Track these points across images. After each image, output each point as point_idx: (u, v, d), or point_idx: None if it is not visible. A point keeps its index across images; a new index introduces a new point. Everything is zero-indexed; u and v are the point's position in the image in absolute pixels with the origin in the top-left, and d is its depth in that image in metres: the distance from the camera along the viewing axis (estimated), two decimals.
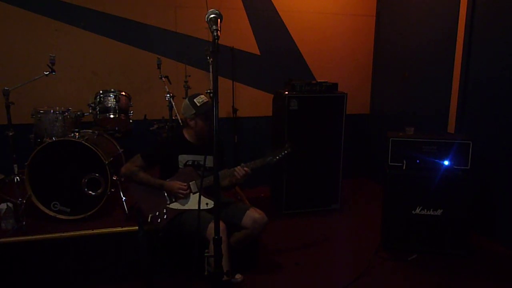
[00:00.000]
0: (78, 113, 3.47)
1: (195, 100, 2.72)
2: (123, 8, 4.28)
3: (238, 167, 2.69)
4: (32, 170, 2.94)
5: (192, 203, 2.74)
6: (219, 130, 1.72)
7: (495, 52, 3.46)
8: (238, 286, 2.77)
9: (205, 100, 2.73)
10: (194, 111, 2.70)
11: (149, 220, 2.71)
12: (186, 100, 2.79)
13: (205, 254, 1.93)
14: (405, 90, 4.62)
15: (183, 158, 2.79)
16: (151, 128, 3.95)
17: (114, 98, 3.52)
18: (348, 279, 2.87)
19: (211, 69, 4.17)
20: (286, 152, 2.75)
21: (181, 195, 2.71)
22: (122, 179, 3.21)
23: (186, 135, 2.83)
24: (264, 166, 2.75)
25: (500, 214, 3.46)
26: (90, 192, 3.04)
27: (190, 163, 2.80)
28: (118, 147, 3.60)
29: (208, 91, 4.15)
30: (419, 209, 3.22)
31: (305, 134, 3.99)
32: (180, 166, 2.78)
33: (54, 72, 3.08)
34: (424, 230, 3.22)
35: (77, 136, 3.13)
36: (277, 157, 2.74)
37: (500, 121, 3.43)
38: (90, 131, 3.49)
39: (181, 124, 3.74)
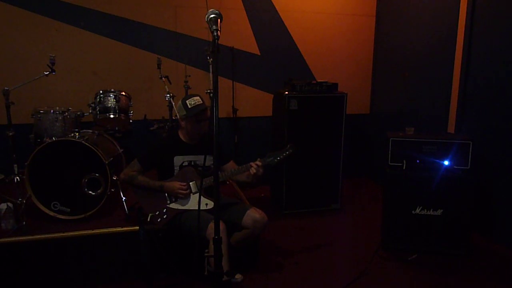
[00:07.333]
0: (78, 113, 3.47)
1: (187, 101, 2.72)
2: (123, 8, 4.29)
3: (252, 163, 2.67)
4: (32, 170, 2.94)
5: (192, 203, 2.74)
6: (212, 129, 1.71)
7: (495, 52, 3.45)
8: (238, 286, 2.77)
9: (197, 103, 2.70)
10: (184, 113, 2.71)
11: (148, 219, 2.72)
12: (181, 100, 2.79)
13: (205, 254, 1.93)
14: (405, 90, 4.61)
15: (178, 159, 2.79)
16: (151, 128, 3.95)
17: (114, 98, 3.53)
18: (348, 279, 2.87)
19: (211, 69, 4.17)
20: (287, 153, 2.72)
21: (180, 195, 2.71)
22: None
23: (181, 136, 2.83)
24: (264, 167, 2.74)
25: (500, 214, 3.45)
26: (90, 192, 3.04)
27: (186, 164, 2.80)
28: (118, 147, 3.60)
29: (208, 91, 4.14)
30: (419, 209, 3.22)
31: (305, 134, 3.99)
32: (175, 167, 2.78)
33: (54, 72, 3.08)
34: (424, 230, 3.22)
35: (77, 136, 3.13)
36: (278, 158, 2.72)
37: (500, 121, 3.42)
38: (90, 131, 3.49)
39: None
